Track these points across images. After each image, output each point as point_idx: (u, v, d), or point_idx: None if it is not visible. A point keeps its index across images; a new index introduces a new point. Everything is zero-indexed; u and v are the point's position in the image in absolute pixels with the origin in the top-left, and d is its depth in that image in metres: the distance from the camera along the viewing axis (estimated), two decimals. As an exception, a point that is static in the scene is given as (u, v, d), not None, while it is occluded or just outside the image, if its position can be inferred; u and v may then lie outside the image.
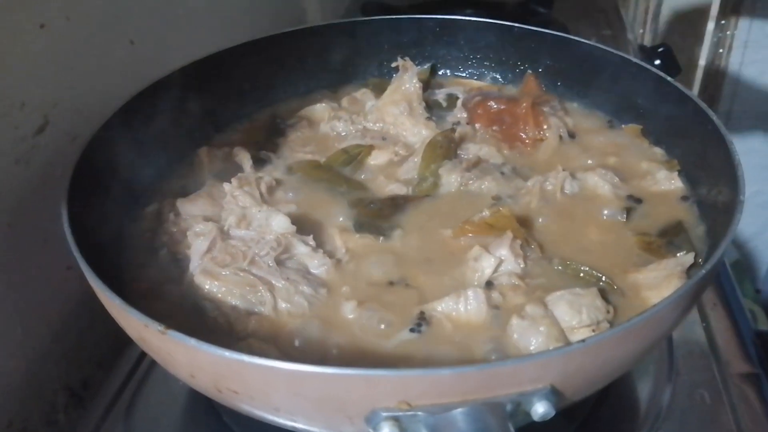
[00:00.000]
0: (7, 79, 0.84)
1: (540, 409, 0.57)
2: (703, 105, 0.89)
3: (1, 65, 0.82)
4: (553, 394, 0.57)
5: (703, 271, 0.65)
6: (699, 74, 2.22)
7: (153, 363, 0.92)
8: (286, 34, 1.14)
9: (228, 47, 1.08)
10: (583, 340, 0.57)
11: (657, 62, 1.76)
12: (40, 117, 0.89)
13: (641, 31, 2.39)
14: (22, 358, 0.89)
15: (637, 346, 0.64)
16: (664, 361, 0.92)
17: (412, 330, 0.73)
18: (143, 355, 0.94)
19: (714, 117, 0.85)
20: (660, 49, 1.71)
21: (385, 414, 0.55)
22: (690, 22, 2.26)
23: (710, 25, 2.11)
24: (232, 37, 1.09)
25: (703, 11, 2.15)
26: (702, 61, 2.20)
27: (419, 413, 0.55)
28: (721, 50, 2.19)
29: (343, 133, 1.08)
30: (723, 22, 2.11)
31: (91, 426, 0.88)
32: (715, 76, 2.22)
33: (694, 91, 2.10)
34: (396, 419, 0.55)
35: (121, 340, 0.70)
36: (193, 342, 0.57)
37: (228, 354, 0.56)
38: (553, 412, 0.57)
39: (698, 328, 0.97)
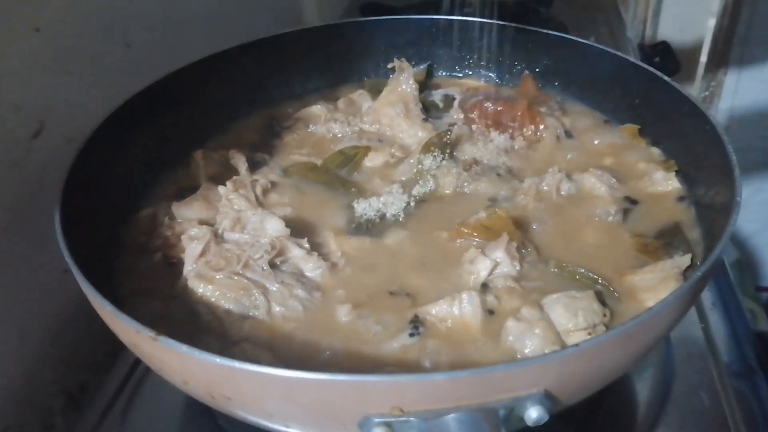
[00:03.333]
0: (2, 82, 0.84)
1: (533, 414, 0.56)
2: (701, 105, 0.88)
3: (-5, 69, 0.82)
4: (547, 398, 0.57)
5: (699, 273, 0.64)
6: (700, 71, 2.21)
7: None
8: (282, 35, 1.13)
9: (224, 49, 1.07)
10: (577, 344, 0.57)
11: (656, 59, 1.76)
12: (35, 121, 0.89)
13: (642, 28, 2.38)
14: (18, 361, 0.89)
15: (633, 350, 0.64)
16: (662, 363, 0.91)
17: (411, 335, 0.73)
18: (140, 359, 0.94)
19: (711, 117, 0.85)
20: (659, 47, 1.71)
21: (377, 420, 0.55)
22: (691, 19, 2.25)
23: (711, 22, 2.11)
24: (228, 39, 1.09)
25: (704, 7, 2.14)
26: (703, 58, 2.20)
27: (412, 419, 0.55)
28: (722, 46, 2.18)
29: (339, 135, 1.08)
30: (724, 18, 2.10)
31: (87, 430, 0.88)
32: (717, 72, 2.22)
33: (696, 88, 2.09)
34: (389, 425, 0.55)
35: (118, 343, 0.69)
36: (184, 348, 0.57)
37: (220, 360, 0.56)
38: (546, 417, 0.57)
39: (697, 330, 0.96)
